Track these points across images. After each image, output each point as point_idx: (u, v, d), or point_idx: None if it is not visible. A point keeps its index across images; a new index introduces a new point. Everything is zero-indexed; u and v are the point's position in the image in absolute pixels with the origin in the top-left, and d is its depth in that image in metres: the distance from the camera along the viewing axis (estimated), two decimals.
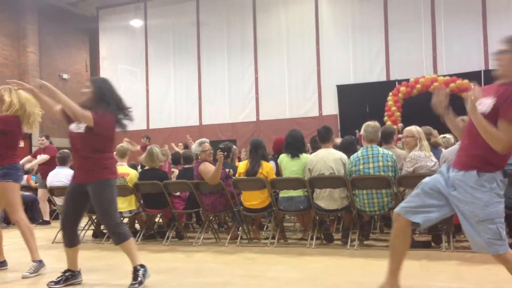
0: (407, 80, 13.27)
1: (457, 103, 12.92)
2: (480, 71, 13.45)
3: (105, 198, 3.97)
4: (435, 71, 14.12)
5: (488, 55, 13.77)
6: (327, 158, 5.72)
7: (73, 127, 4.06)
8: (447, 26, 14.26)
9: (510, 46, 2.93)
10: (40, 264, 4.70)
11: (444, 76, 13.12)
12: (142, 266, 4.00)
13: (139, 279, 3.89)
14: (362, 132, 5.71)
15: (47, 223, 9.14)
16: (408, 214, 3.12)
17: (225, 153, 6.53)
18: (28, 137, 16.52)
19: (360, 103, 13.99)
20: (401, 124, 12.14)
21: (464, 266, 4.50)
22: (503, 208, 2.93)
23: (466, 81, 12.70)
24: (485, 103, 2.93)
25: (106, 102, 3.97)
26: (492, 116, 2.86)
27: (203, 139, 6.61)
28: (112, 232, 4.00)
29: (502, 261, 2.97)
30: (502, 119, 2.82)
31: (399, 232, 3.19)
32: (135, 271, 3.95)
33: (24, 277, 4.50)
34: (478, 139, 2.91)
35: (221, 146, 6.66)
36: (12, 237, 6.49)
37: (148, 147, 6.89)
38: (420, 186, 3.18)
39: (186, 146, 10.79)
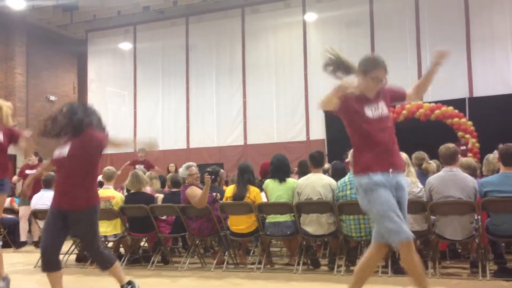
0: (393, 106, 13.43)
1: (443, 130, 13.12)
2: (465, 99, 13.69)
3: (92, 226, 3.97)
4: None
5: (472, 83, 14.04)
6: (316, 183, 5.72)
7: (57, 153, 4.03)
8: (432, 54, 14.52)
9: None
10: (3, 281, 4.74)
11: (430, 102, 13.31)
12: (129, 283, 4.10)
13: None
14: (348, 158, 5.76)
15: (23, 244, 8.92)
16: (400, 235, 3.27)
17: (213, 176, 6.52)
18: (13, 158, 16.33)
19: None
20: None
21: None
22: None
23: (450, 108, 12.92)
24: (380, 107, 3.54)
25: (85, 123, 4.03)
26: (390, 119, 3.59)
27: (190, 163, 6.61)
28: (99, 259, 3.99)
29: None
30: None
31: (378, 259, 3.50)
32: None
33: None
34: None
35: (208, 169, 6.65)
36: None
37: (132, 171, 6.86)
38: (390, 209, 3.31)
39: (177, 169, 10.72)
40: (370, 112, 3.49)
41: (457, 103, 13.24)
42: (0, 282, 4.77)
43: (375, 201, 3.32)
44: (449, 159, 5.17)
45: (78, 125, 3.96)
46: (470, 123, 12.83)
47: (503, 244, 5.56)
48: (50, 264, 3.92)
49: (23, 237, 9.01)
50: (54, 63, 18.50)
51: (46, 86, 18.17)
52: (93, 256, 4.02)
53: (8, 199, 9.75)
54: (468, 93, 13.98)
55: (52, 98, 18.19)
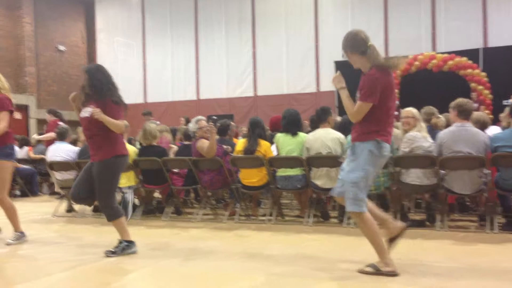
0: (406, 57, 13.23)
1: (455, 81, 12.95)
2: (478, 49, 13.44)
3: (106, 177, 4.27)
4: (433, 48, 14.09)
5: (487, 33, 13.73)
6: (325, 138, 5.77)
7: (81, 113, 4.36)
8: (447, 2, 14.16)
9: (349, 49, 3.59)
10: (22, 234, 5.05)
11: (443, 53, 13.10)
12: (128, 241, 4.36)
13: (116, 250, 4.30)
14: None
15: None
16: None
17: (213, 123, 6.54)
18: (24, 109, 16.49)
19: (358, 80, 13.92)
20: (397, 102, 12.20)
21: (458, 246, 4.60)
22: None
23: (464, 58, 12.70)
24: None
25: (105, 90, 4.28)
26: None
27: (200, 117, 6.65)
28: (106, 210, 4.32)
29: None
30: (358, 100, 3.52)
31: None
32: (118, 242, 4.35)
33: (7, 244, 4.90)
34: None
35: (213, 117, 6.69)
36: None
37: (144, 124, 6.94)
38: None
39: (188, 121, 10.76)
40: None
41: (471, 54, 13.01)
42: (14, 235, 5.00)
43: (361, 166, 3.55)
44: (465, 114, 5.15)
45: (100, 88, 4.26)
46: (483, 74, 12.65)
47: None
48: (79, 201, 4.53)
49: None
50: (61, 12, 18.28)
51: (55, 36, 18.04)
52: (102, 206, 4.33)
53: (26, 148, 9.98)
54: (483, 43, 13.70)
55: (61, 48, 18.11)
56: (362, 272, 3.57)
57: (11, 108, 4.85)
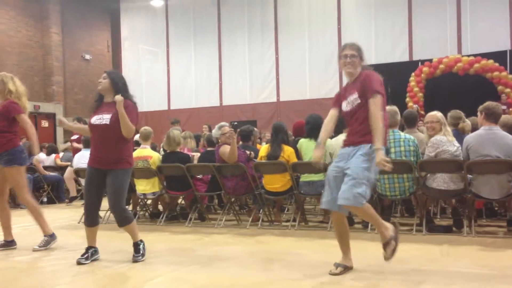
0: (430, 60, 13.06)
1: (482, 84, 12.72)
2: (506, 51, 13.17)
3: (121, 186, 4.31)
4: (459, 51, 13.86)
5: None
6: None
7: (95, 119, 4.32)
8: (472, 4, 13.94)
9: (358, 52, 3.76)
10: (51, 237, 5.05)
11: (469, 56, 12.88)
12: (141, 241, 4.48)
13: (141, 251, 4.42)
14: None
15: (74, 198, 9.51)
16: (333, 206, 3.74)
17: (232, 128, 6.56)
18: (52, 117, 16.83)
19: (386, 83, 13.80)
20: (416, 106, 12.04)
21: (486, 251, 4.50)
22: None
23: (491, 61, 12.47)
24: (350, 101, 3.81)
25: (124, 92, 4.32)
26: (362, 104, 3.68)
27: (223, 123, 6.70)
28: (119, 216, 4.35)
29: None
30: (372, 94, 3.58)
31: (337, 221, 3.83)
32: (136, 245, 4.43)
33: (34, 250, 4.90)
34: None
35: (234, 123, 6.72)
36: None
37: (168, 131, 6.99)
38: (326, 180, 3.88)
39: (210, 129, 10.81)
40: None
41: (498, 56, 12.76)
42: (42, 241, 5.05)
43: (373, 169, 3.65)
44: (494, 117, 5.04)
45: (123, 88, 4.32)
46: (511, 76, 12.39)
47: None
48: (92, 220, 4.41)
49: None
50: (88, 22, 18.64)
51: (81, 45, 18.39)
52: (115, 212, 4.35)
53: (53, 155, 10.20)
54: (510, 45, 13.42)
55: (88, 57, 18.44)
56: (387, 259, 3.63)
57: (21, 112, 4.90)
